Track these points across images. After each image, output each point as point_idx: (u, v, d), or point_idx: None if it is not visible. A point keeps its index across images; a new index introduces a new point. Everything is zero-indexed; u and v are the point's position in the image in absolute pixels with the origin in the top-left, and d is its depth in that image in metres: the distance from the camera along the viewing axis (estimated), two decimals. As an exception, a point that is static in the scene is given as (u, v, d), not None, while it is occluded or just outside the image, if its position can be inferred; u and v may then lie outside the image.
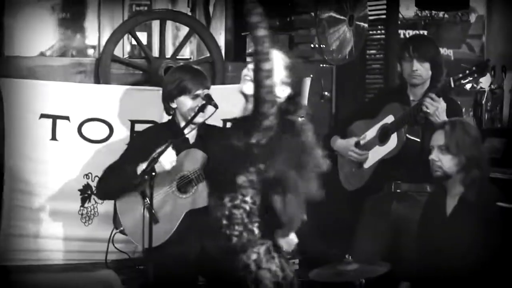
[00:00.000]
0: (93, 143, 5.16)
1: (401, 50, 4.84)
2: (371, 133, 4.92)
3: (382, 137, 4.84)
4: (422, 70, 4.74)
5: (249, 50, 6.10)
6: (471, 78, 4.51)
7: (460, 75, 4.51)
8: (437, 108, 4.52)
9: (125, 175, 4.32)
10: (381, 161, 4.83)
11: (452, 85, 4.51)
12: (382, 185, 4.91)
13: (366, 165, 4.92)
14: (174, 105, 4.56)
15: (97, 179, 4.77)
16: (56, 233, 5.17)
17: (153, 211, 4.22)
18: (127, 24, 5.63)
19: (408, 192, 4.85)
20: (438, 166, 4.19)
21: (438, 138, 4.22)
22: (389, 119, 4.80)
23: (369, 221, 4.98)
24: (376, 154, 4.86)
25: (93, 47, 7.00)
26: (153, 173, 4.17)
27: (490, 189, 4.16)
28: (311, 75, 5.74)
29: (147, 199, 4.17)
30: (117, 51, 5.74)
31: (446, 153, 4.17)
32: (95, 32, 7.09)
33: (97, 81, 5.51)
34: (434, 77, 4.76)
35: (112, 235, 4.74)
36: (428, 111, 4.54)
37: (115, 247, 4.83)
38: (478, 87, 6.26)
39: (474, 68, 4.50)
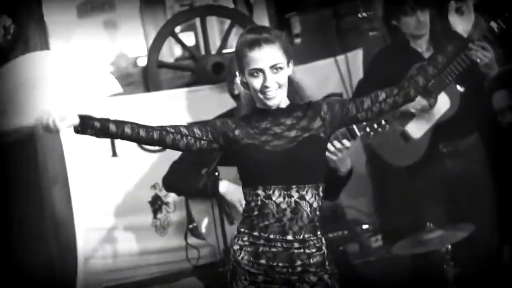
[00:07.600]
0: (153, 153, 5.09)
1: (398, 5, 4.52)
2: None
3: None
4: (426, 19, 4.52)
5: (295, 31, 5.93)
6: None
7: (507, 14, 3.90)
8: (489, 58, 4.16)
9: (189, 178, 4.33)
10: (434, 126, 4.52)
11: (496, 28, 3.95)
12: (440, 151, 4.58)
13: (416, 135, 4.56)
14: None
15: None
16: (132, 249, 5.11)
17: (227, 211, 4.16)
18: (165, 29, 5.52)
19: (456, 149, 4.58)
20: None
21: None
22: None
23: (425, 185, 4.65)
24: (424, 120, 4.54)
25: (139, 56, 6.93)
26: (216, 173, 4.12)
27: None
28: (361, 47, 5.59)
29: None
30: (166, 55, 5.63)
31: None
32: (142, 41, 7.04)
33: (147, 89, 5.43)
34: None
35: (185, 233, 4.69)
36: (480, 62, 4.17)
37: (188, 243, 4.71)
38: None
39: None
